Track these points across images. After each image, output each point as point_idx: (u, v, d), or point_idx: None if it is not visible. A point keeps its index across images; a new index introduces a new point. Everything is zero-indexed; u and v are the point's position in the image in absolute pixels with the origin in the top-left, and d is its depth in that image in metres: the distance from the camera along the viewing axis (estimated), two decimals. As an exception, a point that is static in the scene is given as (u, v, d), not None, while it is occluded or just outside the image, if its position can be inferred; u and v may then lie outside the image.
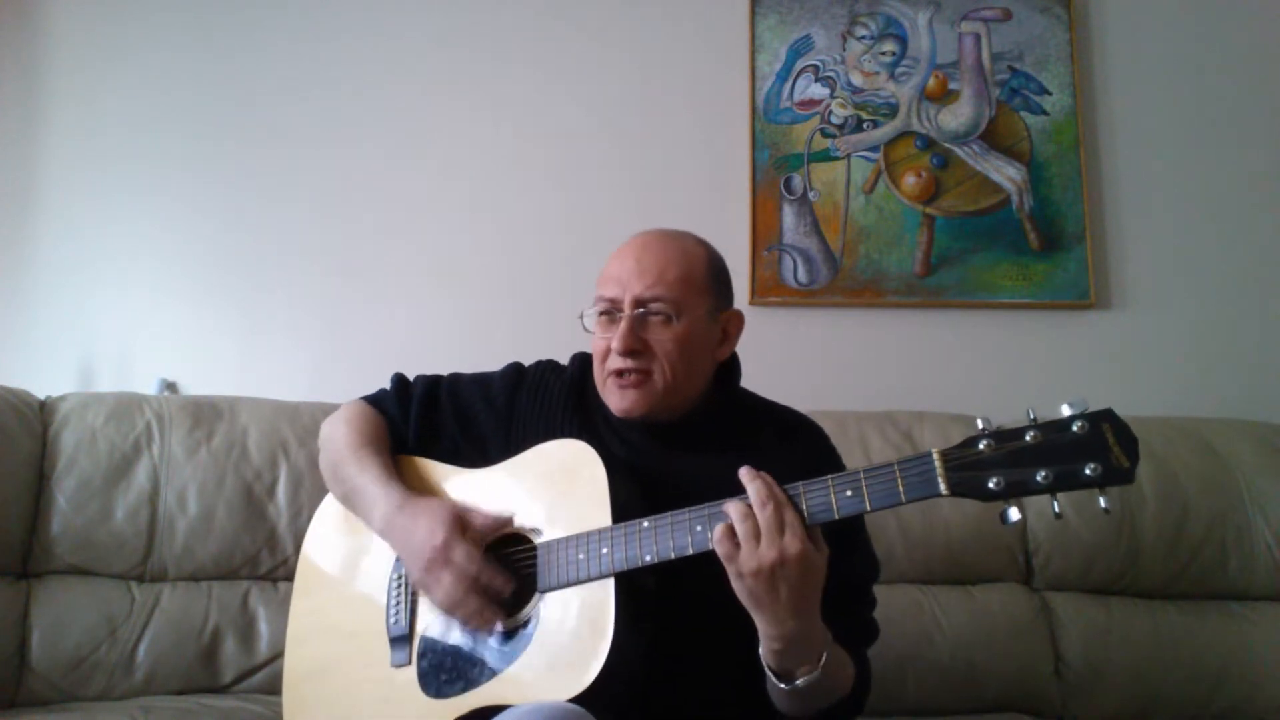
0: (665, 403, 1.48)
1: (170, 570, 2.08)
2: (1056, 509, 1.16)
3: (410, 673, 1.44)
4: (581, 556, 1.34)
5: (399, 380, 1.71)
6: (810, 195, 2.66)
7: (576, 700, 1.24)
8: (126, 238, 2.66)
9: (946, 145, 2.67)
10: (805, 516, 1.23)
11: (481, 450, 1.58)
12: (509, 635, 1.37)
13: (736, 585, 1.24)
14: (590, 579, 1.32)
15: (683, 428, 1.51)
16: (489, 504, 1.48)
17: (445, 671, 1.40)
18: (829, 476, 1.24)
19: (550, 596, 1.36)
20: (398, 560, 1.51)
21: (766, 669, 1.29)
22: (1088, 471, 1.11)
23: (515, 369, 1.68)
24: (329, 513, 1.68)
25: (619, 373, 1.47)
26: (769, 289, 2.62)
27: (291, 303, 2.64)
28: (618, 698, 1.27)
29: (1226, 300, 2.62)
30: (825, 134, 2.69)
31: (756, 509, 1.22)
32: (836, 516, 1.22)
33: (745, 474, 1.25)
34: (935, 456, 1.18)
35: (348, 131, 2.71)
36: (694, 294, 1.48)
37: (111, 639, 1.99)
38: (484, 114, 2.73)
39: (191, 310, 2.63)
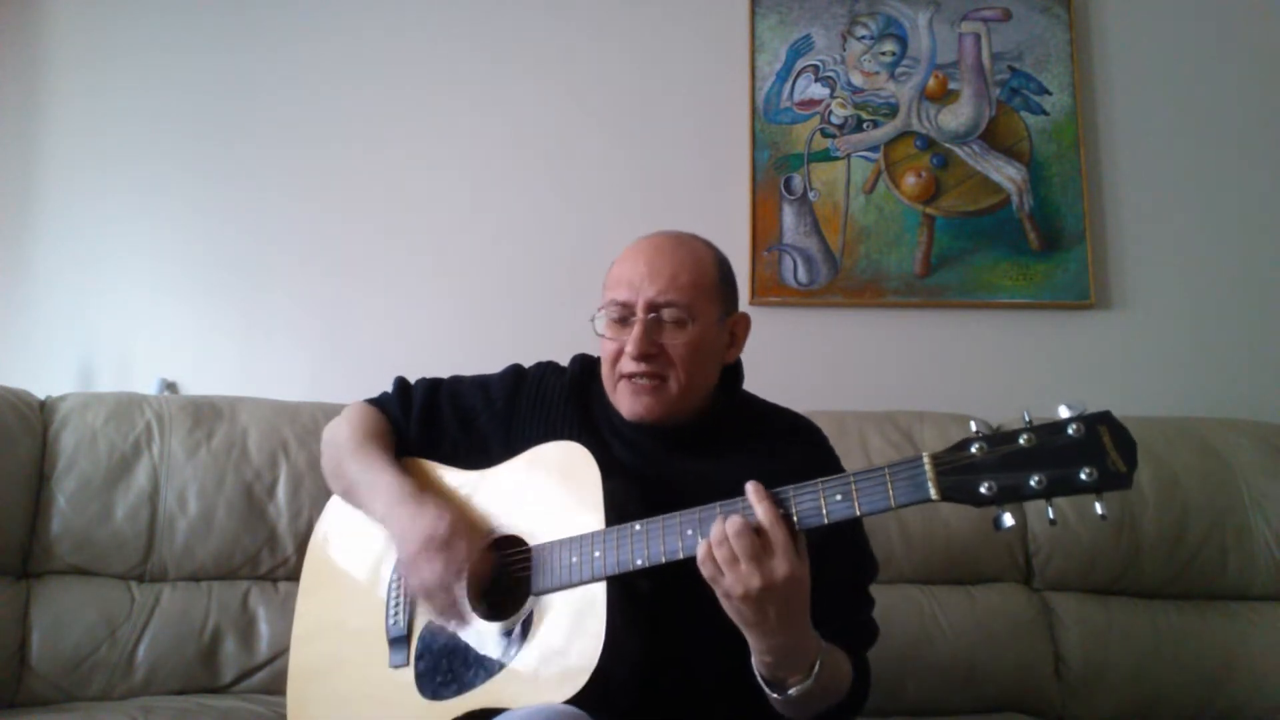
0: (678, 407, 1.47)
1: (170, 570, 2.08)
2: (1051, 515, 1.13)
3: (408, 674, 1.44)
4: (574, 560, 1.34)
5: (400, 383, 1.71)
6: (810, 195, 2.66)
7: (572, 702, 1.24)
8: (126, 238, 2.66)
9: (946, 145, 2.67)
10: (795, 522, 1.22)
11: (482, 452, 1.58)
12: (504, 638, 1.37)
13: (724, 605, 1.23)
14: (583, 582, 1.32)
15: (687, 431, 1.50)
16: (485, 507, 1.49)
17: (441, 674, 1.40)
18: (819, 480, 1.22)
19: (544, 599, 1.36)
20: (399, 560, 1.51)
21: (759, 679, 1.29)
22: (1083, 476, 1.08)
23: (515, 371, 1.68)
24: (334, 512, 1.69)
25: (632, 376, 1.46)
26: (769, 289, 2.62)
27: (291, 303, 2.64)
28: (615, 699, 1.27)
29: (1226, 300, 2.62)
30: (825, 134, 2.68)
31: (766, 526, 1.21)
32: (826, 521, 1.21)
33: (753, 494, 1.23)
34: (926, 460, 1.15)
35: (348, 131, 2.71)
36: (706, 298, 1.48)
37: (111, 639, 1.99)
38: (484, 114, 2.73)
39: (191, 310, 2.64)
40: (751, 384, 1.62)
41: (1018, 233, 2.63)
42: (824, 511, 1.21)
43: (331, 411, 2.08)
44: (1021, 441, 1.12)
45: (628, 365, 1.46)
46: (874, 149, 2.68)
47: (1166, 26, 2.74)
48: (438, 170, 2.71)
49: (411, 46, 2.76)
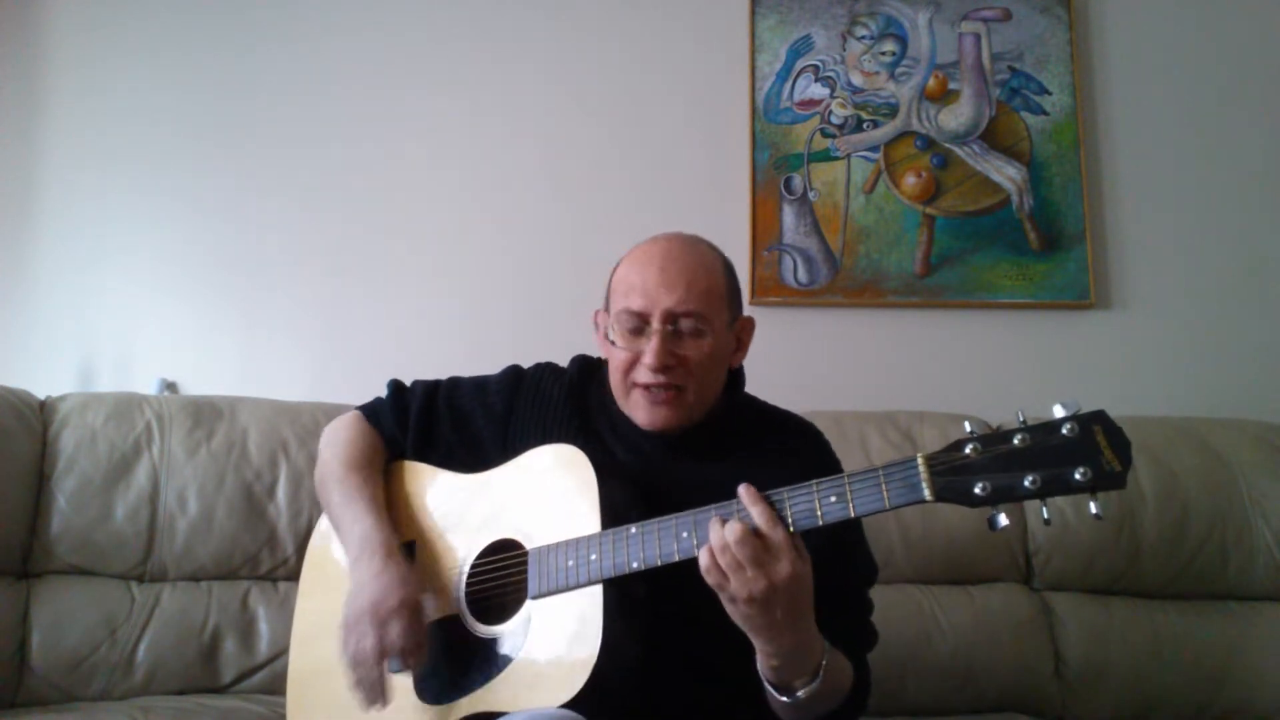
0: (693, 415, 1.47)
1: (170, 570, 2.08)
2: (1046, 515, 1.14)
3: (406, 678, 1.43)
4: (571, 563, 1.33)
5: (395, 388, 1.69)
6: (810, 195, 2.66)
7: (570, 705, 1.24)
8: (126, 238, 2.66)
9: (946, 145, 2.67)
10: (790, 524, 1.21)
11: (479, 455, 1.57)
12: (502, 642, 1.37)
13: (730, 610, 1.23)
14: (579, 585, 1.32)
15: (690, 434, 1.49)
16: (482, 510, 1.49)
17: (439, 677, 1.40)
18: (814, 482, 1.22)
19: (541, 603, 1.36)
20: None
21: (765, 683, 1.29)
22: (1077, 476, 1.07)
23: (513, 372, 1.66)
24: (332, 514, 1.69)
25: (649, 387, 1.44)
26: (769, 289, 2.62)
27: (291, 303, 2.64)
28: (612, 702, 1.26)
29: (1226, 300, 2.62)
30: (825, 134, 2.68)
31: (764, 529, 1.20)
32: (821, 523, 1.20)
33: (747, 497, 1.23)
34: (920, 461, 1.15)
35: (348, 131, 2.71)
36: (718, 306, 1.47)
37: (111, 639, 1.99)
38: (484, 114, 2.73)
39: (191, 310, 2.64)
40: (751, 384, 1.62)
41: (1018, 233, 2.63)
42: (818, 513, 1.20)
43: (331, 411, 2.09)
44: (1016, 441, 1.12)
45: (645, 376, 1.44)
46: (874, 149, 2.68)
47: (1166, 26, 2.74)
48: (438, 170, 2.71)
49: (412, 47, 2.76)
